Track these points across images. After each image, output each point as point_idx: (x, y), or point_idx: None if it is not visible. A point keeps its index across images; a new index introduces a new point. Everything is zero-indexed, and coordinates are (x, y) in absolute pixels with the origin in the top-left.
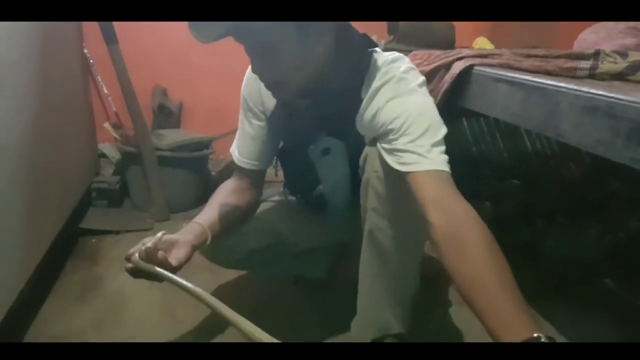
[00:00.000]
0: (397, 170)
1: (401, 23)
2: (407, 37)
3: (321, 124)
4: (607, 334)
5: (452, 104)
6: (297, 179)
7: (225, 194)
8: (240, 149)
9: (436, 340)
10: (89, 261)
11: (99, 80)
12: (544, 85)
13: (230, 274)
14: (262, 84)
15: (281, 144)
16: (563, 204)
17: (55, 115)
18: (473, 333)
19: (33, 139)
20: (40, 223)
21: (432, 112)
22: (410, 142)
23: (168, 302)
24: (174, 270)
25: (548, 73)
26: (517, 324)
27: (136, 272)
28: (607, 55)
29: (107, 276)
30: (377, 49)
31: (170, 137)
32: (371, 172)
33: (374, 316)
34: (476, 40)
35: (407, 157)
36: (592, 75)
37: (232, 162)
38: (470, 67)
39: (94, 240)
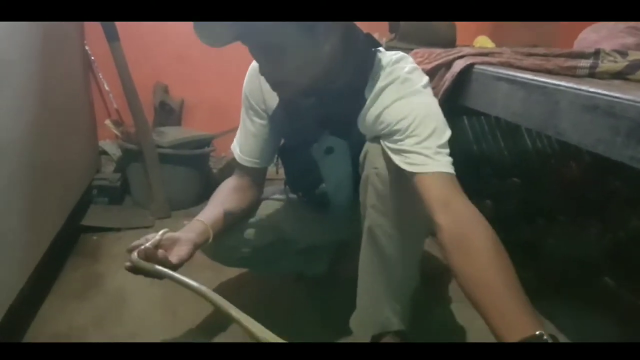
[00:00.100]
0: (402, 170)
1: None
2: (409, 36)
3: (324, 123)
4: (607, 333)
5: (452, 103)
6: (299, 177)
7: (227, 192)
8: (242, 147)
9: (436, 338)
10: (90, 259)
11: (100, 77)
12: (544, 84)
13: (231, 272)
14: (263, 82)
15: (282, 141)
16: (564, 202)
17: (56, 112)
18: (473, 330)
19: (34, 137)
20: (40, 221)
21: (438, 114)
22: (417, 143)
23: (169, 299)
24: (174, 268)
25: (548, 72)
26: (521, 324)
27: (136, 270)
28: (607, 54)
29: (108, 274)
30: (380, 48)
31: (172, 134)
32: (371, 169)
33: (373, 313)
34: (477, 39)
35: (414, 157)
36: (592, 74)
37: (233, 159)
38: (471, 65)
39: (94, 238)
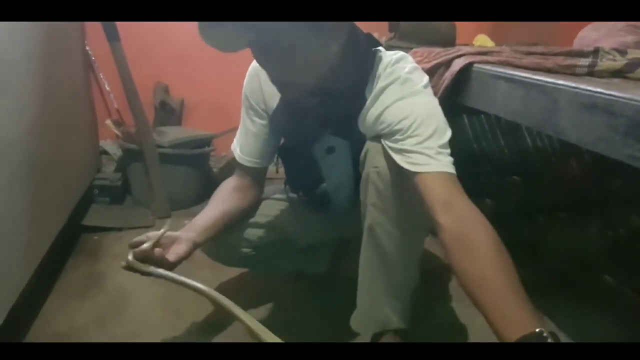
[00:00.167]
0: (404, 169)
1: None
2: (408, 35)
3: (326, 123)
4: (607, 331)
5: (452, 101)
6: (299, 177)
7: (227, 192)
8: (242, 146)
9: (437, 336)
10: (91, 258)
11: (101, 77)
12: (543, 83)
13: (231, 272)
14: (263, 82)
15: (282, 141)
16: (564, 200)
17: (57, 112)
18: (474, 329)
19: (34, 137)
20: (41, 221)
21: (439, 114)
22: (419, 143)
23: (170, 298)
24: (172, 266)
25: (547, 70)
26: (522, 322)
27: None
28: (606, 52)
29: (109, 273)
30: (380, 48)
31: (172, 134)
32: (371, 168)
33: (373, 312)
34: (477, 38)
35: (415, 157)
36: (591, 73)
37: (234, 159)
38: (470, 64)
39: (95, 237)
